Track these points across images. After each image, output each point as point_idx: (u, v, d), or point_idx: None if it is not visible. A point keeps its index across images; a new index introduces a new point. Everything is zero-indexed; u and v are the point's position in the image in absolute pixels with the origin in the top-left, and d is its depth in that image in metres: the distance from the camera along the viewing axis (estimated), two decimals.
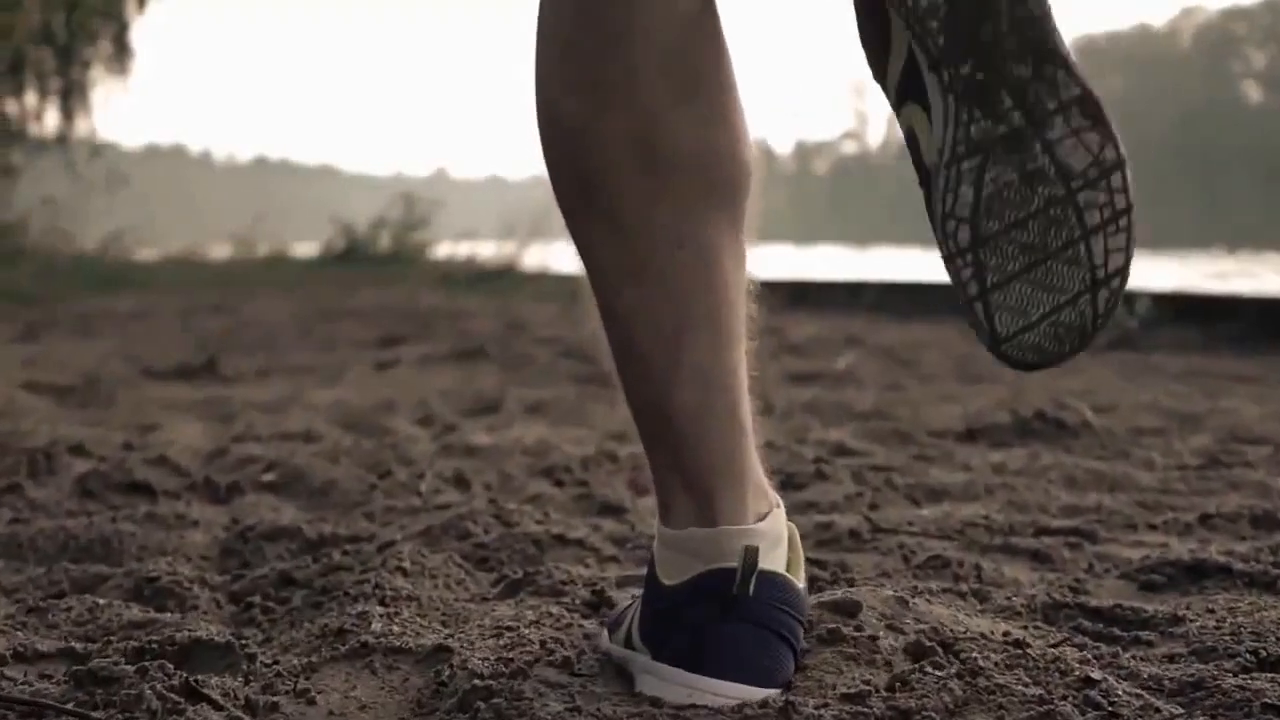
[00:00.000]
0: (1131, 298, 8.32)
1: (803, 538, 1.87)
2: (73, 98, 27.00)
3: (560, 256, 16.76)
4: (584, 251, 1.71)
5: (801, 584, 1.73)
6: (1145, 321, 7.94)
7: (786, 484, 3.01)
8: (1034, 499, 2.91)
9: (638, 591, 2.08)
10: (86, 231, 20.89)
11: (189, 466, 3.26)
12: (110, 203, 22.65)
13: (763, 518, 1.70)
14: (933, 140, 1.57)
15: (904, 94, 1.60)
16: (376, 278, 15.46)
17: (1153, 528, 2.68)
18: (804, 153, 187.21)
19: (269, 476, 3.15)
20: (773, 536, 1.69)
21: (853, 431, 3.78)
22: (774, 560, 1.68)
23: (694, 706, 1.62)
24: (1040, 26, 1.52)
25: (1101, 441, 3.69)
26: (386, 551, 2.30)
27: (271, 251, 20.28)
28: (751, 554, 1.65)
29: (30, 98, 27.12)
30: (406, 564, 2.20)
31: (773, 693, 1.63)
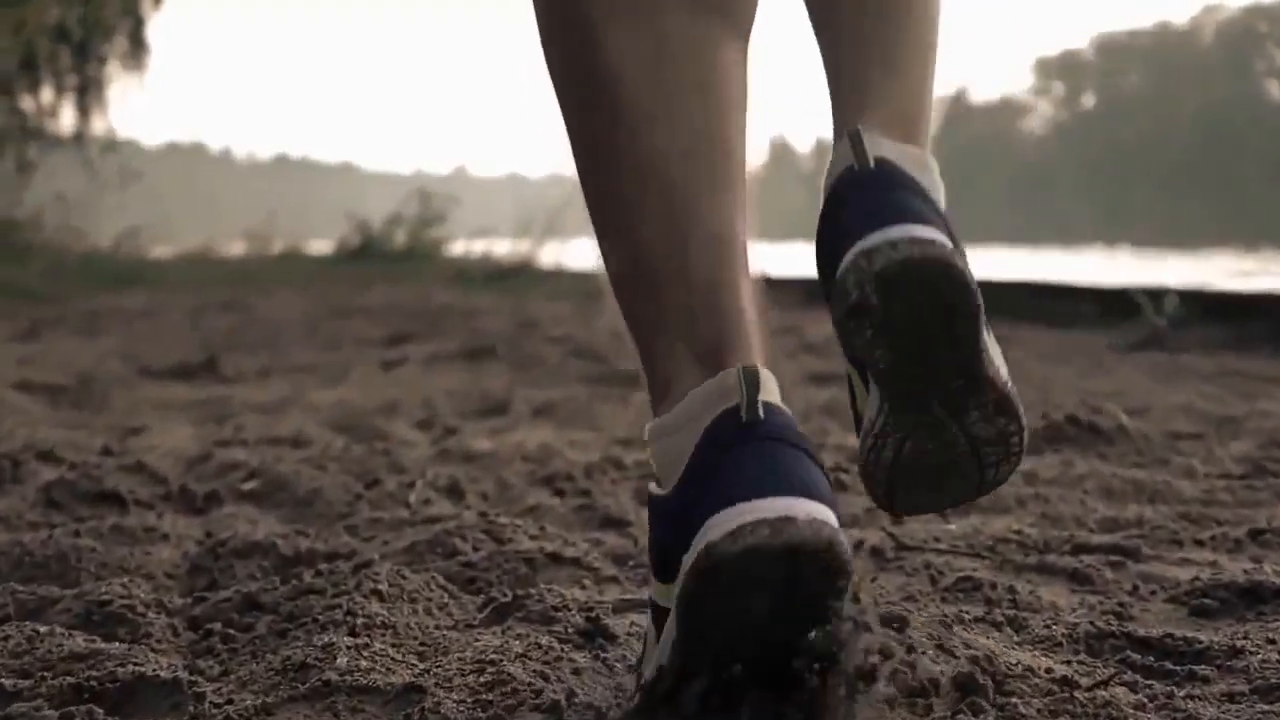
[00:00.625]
0: (1159, 296, 8.12)
1: None
2: (89, 94, 26.91)
3: (576, 254, 16.59)
4: (587, 100, 1.60)
5: None
6: (1173, 320, 7.72)
7: None
8: (1069, 511, 2.69)
9: (637, 617, 1.90)
10: (102, 229, 20.78)
11: (167, 473, 3.05)
12: (126, 200, 22.56)
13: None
14: (867, 410, 1.65)
15: (846, 354, 1.68)
16: (390, 275, 15.28)
17: (1200, 544, 2.47)
18: (823, 151, 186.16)
19: (250, 485, 2.93)
20: (774, 388, 1.50)
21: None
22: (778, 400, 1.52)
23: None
24: (977, 373, 1.60)
25: (1138, 448, 3.47)
26: (364, 572, 2.08)
27: (286, 248, 20.13)
28: (751, 373, 1.47)
29: (46, 94, 27.05)
30: (384, 586, 1.99)
31: (818, 509, 1.37)
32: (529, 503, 2.75)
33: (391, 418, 4.24)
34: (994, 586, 2.10)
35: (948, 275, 1.56)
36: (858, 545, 2.32)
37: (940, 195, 1.70)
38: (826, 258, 1.65)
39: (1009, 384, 1.64)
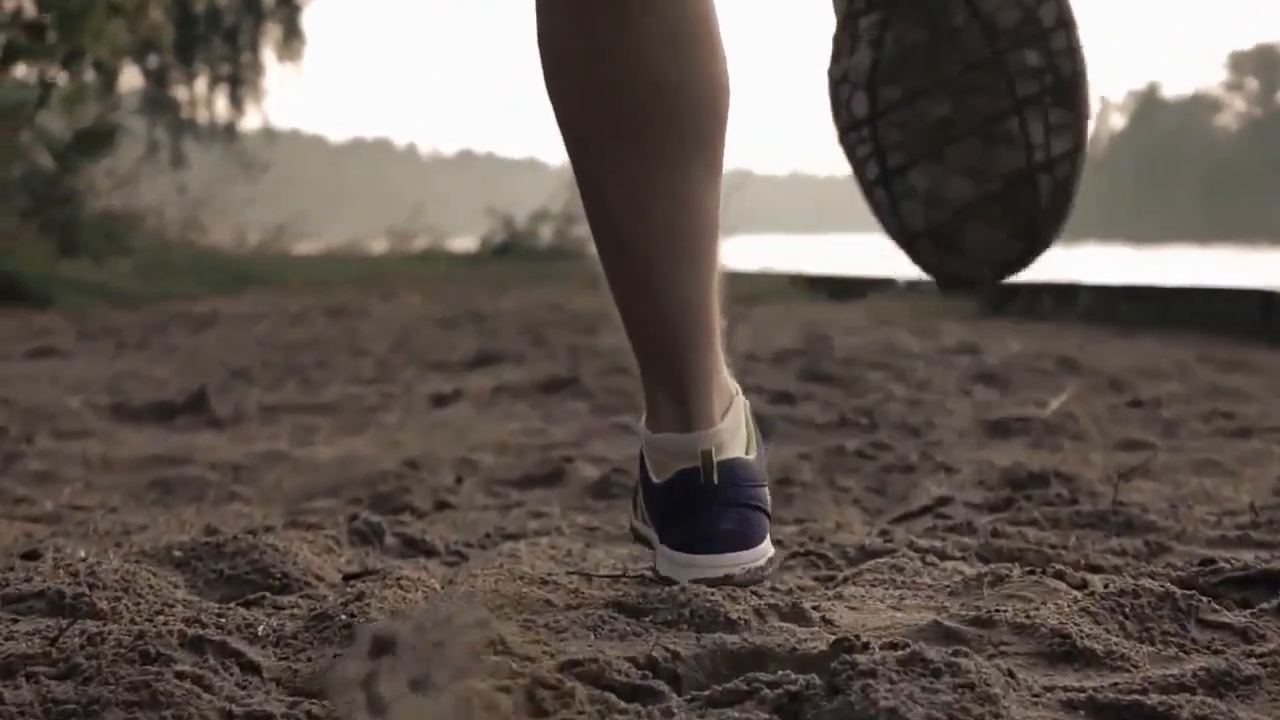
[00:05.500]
0: None
1: None
2: (242, 85, 26.19)
3: (735, 253, 15.19)
4: (586, 185, 1.91)
5: (754, 453, 2.03)
6: None
7: None
8: None
9: None
10: (249, 223, 20.01)
11: None
12: (284, 194, 22.05)
13: (725, 412, 2.00)
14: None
15: None
16: (531, 275, 14.02)
17: None
18: None
19: None
20: (732, 427, 2.01)
21: (1077, 596, 2.00)
22: (736, 446, 2.00)
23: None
24: None
25: None
26: None
27: (428, 246, 19.05)
28: (707, 456, 1.97)
29: (200, 85, 26.31)
30: None
31: (760, 550, 2.00)
32: None
33: (347, 500, 2.90)
34: None
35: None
36: None
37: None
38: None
39: None
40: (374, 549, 2.46)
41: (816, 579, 2.24)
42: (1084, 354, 6.37)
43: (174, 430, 4.28)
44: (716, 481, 1.96)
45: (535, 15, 1.85)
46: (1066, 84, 1.30)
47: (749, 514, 2.00)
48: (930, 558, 2.29)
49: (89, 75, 14.77)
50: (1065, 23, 1.31)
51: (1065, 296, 9.36)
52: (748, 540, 1.99)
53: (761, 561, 2.00)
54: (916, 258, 1.40)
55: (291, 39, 26.62)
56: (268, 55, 26.36)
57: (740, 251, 15.17)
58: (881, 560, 2.26)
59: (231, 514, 3.00)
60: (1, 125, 12.51)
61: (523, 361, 6.19)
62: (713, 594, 1.83)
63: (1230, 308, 7.95)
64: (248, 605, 1.99)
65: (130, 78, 22.08)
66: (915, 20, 1.32)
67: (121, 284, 11.71)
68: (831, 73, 1.40)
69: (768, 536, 2.04)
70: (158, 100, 25.16)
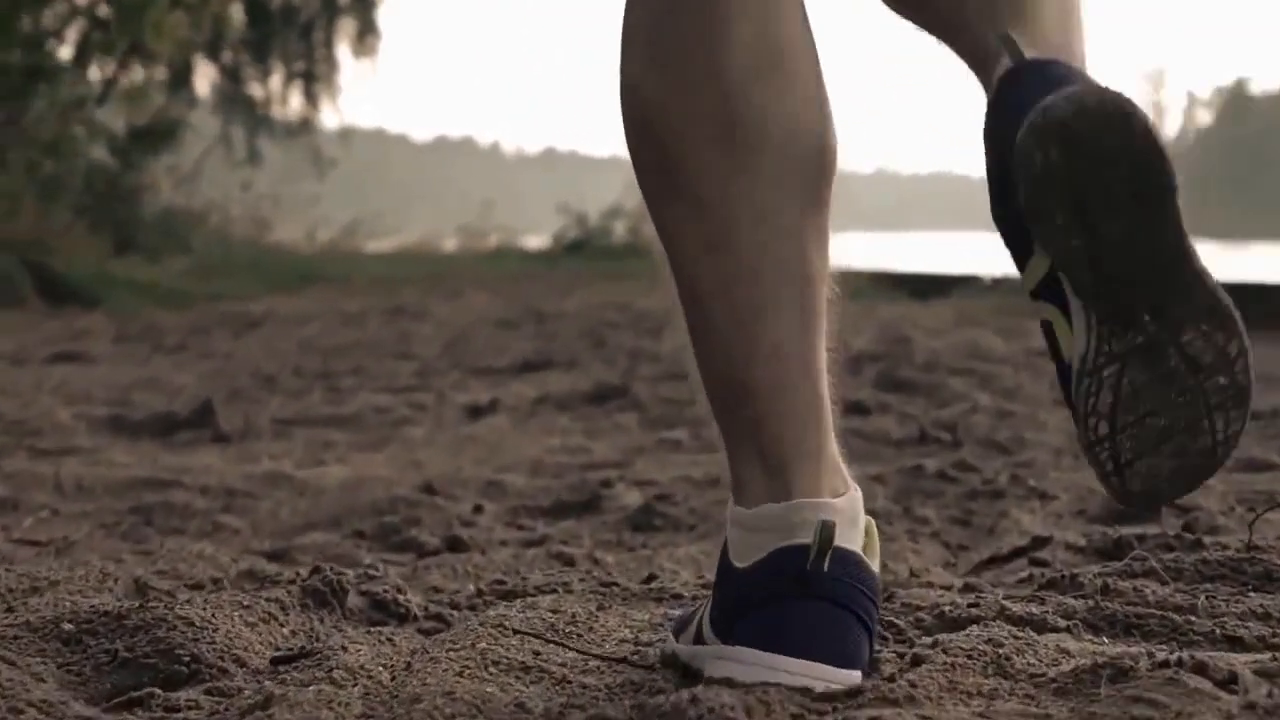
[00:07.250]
0: None
1: None
2: (316, 81, 25.83)
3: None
4: (664, 229, 1.71)
5: (876, 569, 1.67)
6: None
7: None
8: None
9: None
10: (326, 220, 19.73)
11: None
12: (355, 192, 21.77)
13: (839, 496, 1.66)
14: (1074, 346, 1.59)
15: (1042, 296, 1.61)
16: (602, 273, 13.60)
17: None
18: None
19: None
20: (849, 514, 1.65)
21: (1230, 709, 1.46)
22: (850, 540, 1.64)
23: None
24: (1181, 257, 1.56)
25: None
26: None
27: (500, 244, 18.66)
28: (828, 528, 1.60)
29: (275, 81, 25.97)
30: None
31: (853, 674, 1.58)
32: None
33: (346, 533, 2.46)
34: None
35: (1132, 116, 1.51)
36: None
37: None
38: (997, 159, 1.60)
39: (1220, 288, 1.57)
40: (331, 614, 1.97)
41: (885, 654, 1.75)
42: None
43: (172, 447, 3.85)
44: (826, 569, 1.60)
45: (620, 65, 1.72)
46: (1242, 392, 1.58)
47: (856, 627, 1.62)
48: (1028, 631, 1.79)
49: (159, 71, 14.45)
50: (1243, 351, 1.57)
51: None
52: (846, 657, 1.60)
53: (853, 681, 1.59)
54: (1123, 500, 1.62)
55: (366, 35, 26.23)
56: (343, 51, 25.97)
57: None
58: (966, 633, 1.77)
59: (190, 556, 2.55)
60: (55, 121, 12.17)
61: (574, 366, 5.74)
62: (732, 705, 1.33)
63: None
64: (129, 705, 1.52)
65: (210, 74, 21.86)
66: (1141, 366, 1.55)
67: (175, 283, 11.33)
68: (1078, 406, 1.55)
69: (863, 669, 1.62)
70: (232, 97, 24.86)
